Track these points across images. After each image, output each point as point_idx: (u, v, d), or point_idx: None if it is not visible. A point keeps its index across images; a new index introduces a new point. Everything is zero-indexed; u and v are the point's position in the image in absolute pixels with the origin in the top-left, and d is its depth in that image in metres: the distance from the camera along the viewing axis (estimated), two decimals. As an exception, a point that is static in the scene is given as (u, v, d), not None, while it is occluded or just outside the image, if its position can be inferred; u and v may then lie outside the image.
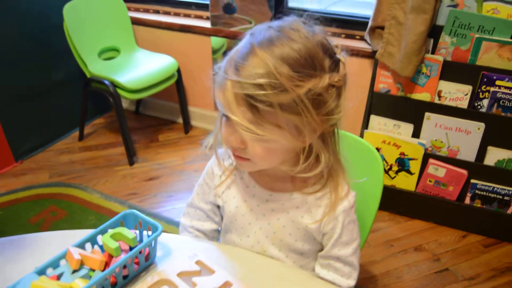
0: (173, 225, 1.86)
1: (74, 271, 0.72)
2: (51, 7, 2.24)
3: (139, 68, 2.29)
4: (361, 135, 1.89)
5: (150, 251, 0.79)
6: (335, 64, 0.70)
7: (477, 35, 1.65)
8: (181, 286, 0.74)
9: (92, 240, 0.78)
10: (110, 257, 0.75)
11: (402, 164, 1.88)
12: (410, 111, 1.83)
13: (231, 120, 0.69)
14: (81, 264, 0.73)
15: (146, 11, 2.55)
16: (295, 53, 0.64)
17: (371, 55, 1.95)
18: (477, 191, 1.81)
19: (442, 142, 1.82)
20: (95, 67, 2.24)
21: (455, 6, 1.68)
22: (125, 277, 0.75)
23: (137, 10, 2.57)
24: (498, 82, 1.66)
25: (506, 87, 1.66)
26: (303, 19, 0.72)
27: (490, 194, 1.79)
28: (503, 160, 1.75)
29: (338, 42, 0.74)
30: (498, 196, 1.78)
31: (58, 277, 0.71)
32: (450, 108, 1.76)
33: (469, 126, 1.74)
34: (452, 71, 1.72)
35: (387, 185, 1.94)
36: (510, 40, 1.61)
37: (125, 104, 2.80)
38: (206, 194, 0.92)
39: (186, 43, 2.45)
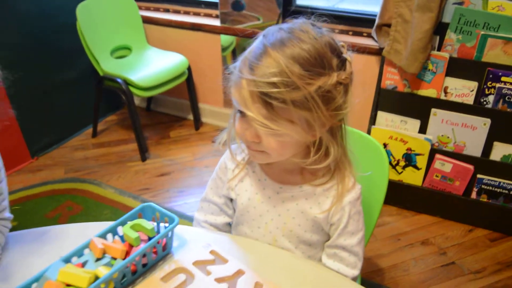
0: (185, 219, 1.91)
1: (97, 260, 0.77)
2: (64, 7, 2.30)
3: (150, 66, 2.34)
4: (369, 131, 1.92)
5: (167, 241, 0.83)
6: (342, 62, 0.74)
7: (482, 32, 1.67)
8: (197, 274, 0.79)
9: (113, 231, 0.83)
10: (130, 246, 0.80)
11: (409, 159, 1.92)
12: (417, 107, 1.86)
13: (246, 116, 0.73)
14: (104, 253, 0.78)
15: (157, 9, 2.60)
16: (305, 53, 0.69)
17: (378, 52, 1.98)
18: (483, 186, 1.84)
19: (448, 137, 1.85)
20: (108, 65, 2.29)
21: (461, 3, 1.70)
22: (144, 265, 0.80)
23: (147, 9, 2.62)
24: (503, 78, 1.69)
25: (511, 83, 1.68)
26: (311, 21, 0.76)
27: (496, 189, 1.82)
28: (509, 155, 1.78)
29: (344, 42, 0.78)
30: (504, 191, 1.81)
31: (83, 265, 0.76)
32: (456, 104, 1.78)
33: (475, 122, 1.77)
34: (458, 67, 1.75)
35: (394, 180, 1.97)
36: (516, 37, 1.64)
37: (136, 101, 2.85)
38: (219, 188, 0.97)
39: (196, 41, 2.49)
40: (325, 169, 0.85)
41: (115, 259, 0.78)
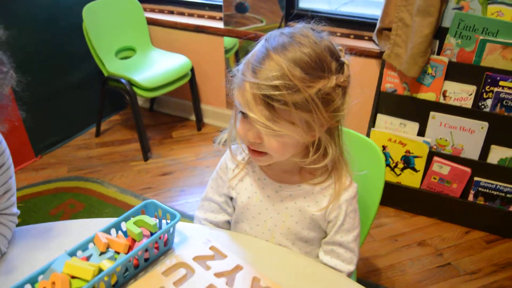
0: (186, 218, 1.94)
1: (101, 253, 0.80)
2: (71, 9, 2.33)
3: (154, 67, 2.37)
4: (368, 133, 1.95)
5: (168, 237, 0.86)
6: (341, 66, 0.78)
7: (481, 37, 1.70)
8: (197, 269, 0.82)
9: (117, 226, 0.86)
10: (133, 241, 0.83)
11: (408, 161, 1.94)
12: (416, 110, 1.88)
13: (248, 117, 0.76)
14: (108, 247, 0.81)
15: (161, 11, 2.64)
16: (306, 57, 0.72)
17: (378, 55, 2.00)
18: (480, 189, 1.86)
19: (446, 140, 1.87)
20: (112, 66, 2.33)
21: (460, 8, 1.73)
22: (146, 260, 0.83)
23: (152, 10, 2.65)
24: (501, 83, 1.71)
25: (509, 88, 1.70)
26: (311, 26, 0.79)
27: (493, 192, 1.85)
28: (506, 158, 1.80)
29: (343, 45, 0.81)
30: (500, 194, 1.84)
31: (87, 258, 0.79)
32: (455, 107, 1.81)
33: (473, 125, 1.80)
34: (457, 71, 1.77)
35: (392, 182, 2.00)
36: (514, 42, 1.66)
37: (139, 102, 2.89)
38: (220, 187, 1.00)
39: (199, 43, 2.53)
40: (323, 169, 0.88)
41: (118, 253, 0.81)
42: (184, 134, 2.66)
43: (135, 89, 2.24)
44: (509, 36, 1.67)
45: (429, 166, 1.90)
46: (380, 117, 1.96)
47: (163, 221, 0.89)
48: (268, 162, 0.85)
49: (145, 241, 0.81)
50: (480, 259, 1.75)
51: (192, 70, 2.47)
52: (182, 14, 2.59)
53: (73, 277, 0.74)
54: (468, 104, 1.81)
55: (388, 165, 1.98)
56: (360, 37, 2.14)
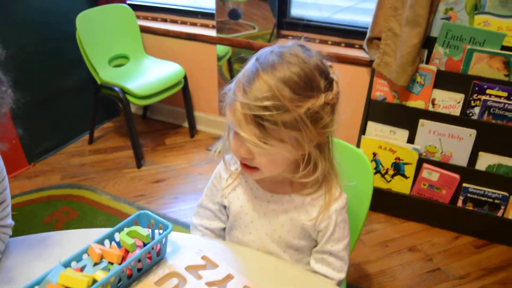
0: (179, 225, 1.96)
1: (95, 264, 0.82)
2: (65, 17, 2.34)
3: (147, 75, 2.39)
4: (359, 141, 1.98)
5: (161, 247, 0.88)
6: (330, 83, 0.79)
7: (468, 47, 1.74)
8: (189, 278, 0.84)
9: (110, 237, 0.87)
10: (126, 252, 0.84)
11: (398, 168, 1.97)
12: (405, 118, 1.92)
13: (240, 134, 0.78)
14: (101, 258, 0.83)
15: (154, 19, 2.66)
16: (295, 77, 0.74)
17: (368, 64, 2.04)
18: (469, 195, 1.89)
19: (435, 147, 1.90)
20: (106, 74, 2.34)
21: (448, 19, 1.77)
22: (139, 270, 0.85)
23: (145, 18, 2.67)
24: (488, 91, 1.75)
25: (496, 96, 1.74)
26: (301, 43, 0.81)
27: (481, 198, 1.88)
28: (493, 165, 1.84)
29: (332, 55, 0.83)
30: (489, 200, 1.87)
31: (81, 269, 0.81)
32: (443, 115, 1.85)
33: (461, 133, 1.83)
34: (445, 80, 1.81)
35: (383, 188, 2.03)
36: (500, 51, 1.70)
37: (132, 109, 2.88)
38: (214, 195, 1.02)
39: (192, 51, 2.55)
40: (314, 181, 0.90)
41: (112, 263, 0.82)
42: (177, 141, 2.67)
43: (128, 97, 2.25)
44: (496, 45, 1.71)
45: (419, 173, 1.94)
46: (371, 125, 1.99)
47: (156, 231, 0.91)
48: (260, 177, 0.87)
49: (138, 251, 0.83)
50: (469, 264, 1.78)
51: (185, 77, 2.49)
52: (175, 22, 2.61)
53: (67, 288, 0.75)
54: (456, 112, 1.84)
55: (378, 171, 2.01)
56: (351, 45, 2.17)
